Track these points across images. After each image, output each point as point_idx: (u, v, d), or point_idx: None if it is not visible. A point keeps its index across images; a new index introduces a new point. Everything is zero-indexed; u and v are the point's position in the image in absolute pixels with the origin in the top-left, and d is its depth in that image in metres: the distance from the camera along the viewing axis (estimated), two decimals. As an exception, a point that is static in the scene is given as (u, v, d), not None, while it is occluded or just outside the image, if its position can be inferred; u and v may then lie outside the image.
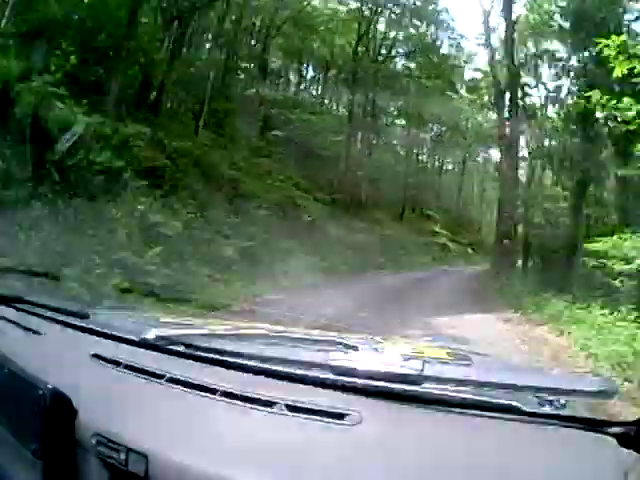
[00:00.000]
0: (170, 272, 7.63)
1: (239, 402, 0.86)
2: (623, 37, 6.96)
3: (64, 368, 1.02)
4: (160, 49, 14.19)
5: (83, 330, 1.22)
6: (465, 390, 0.85)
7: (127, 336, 1.16)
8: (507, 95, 17.41)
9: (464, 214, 33.24)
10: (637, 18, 12.36)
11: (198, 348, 1.06)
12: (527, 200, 16.82)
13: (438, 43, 27.43)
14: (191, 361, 1.03)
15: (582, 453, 0.74)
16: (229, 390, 0.89)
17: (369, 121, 24.17)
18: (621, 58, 6.71)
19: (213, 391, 0.89)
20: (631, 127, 7.16)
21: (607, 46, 6.81)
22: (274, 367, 0.96)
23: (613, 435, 0.75)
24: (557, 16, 15.75)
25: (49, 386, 0.82)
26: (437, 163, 34.39)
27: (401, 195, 26.31)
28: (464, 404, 0.83)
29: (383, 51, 25.31)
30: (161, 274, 7.31)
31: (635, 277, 7.75)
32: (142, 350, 1.11)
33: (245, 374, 0.96)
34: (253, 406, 0.85)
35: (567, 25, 14.71)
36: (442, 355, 1.40)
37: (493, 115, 22.56)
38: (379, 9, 23.79)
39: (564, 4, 14.91)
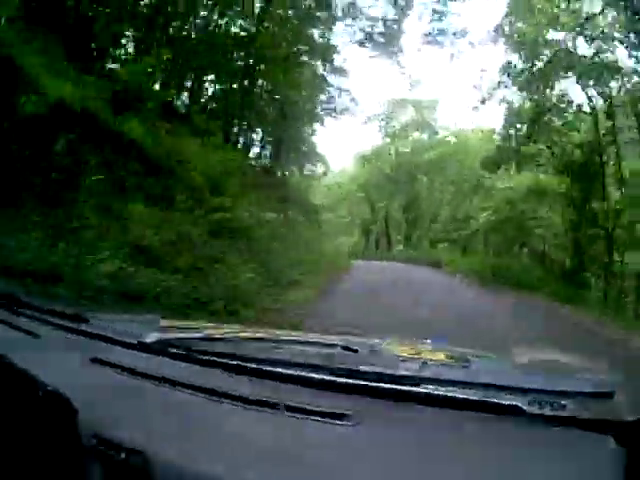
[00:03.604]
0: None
1: (239, 404, 0.86)
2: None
3: (63, 372, 1.01)
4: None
5: (82, 334, 1.22)
6: (464, 391, 0.85)
7: (127, 340, 1.16)
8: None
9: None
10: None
11: (198, 351, 1.06)
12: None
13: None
14: (191, 364, 1.03)
15: (581, 453, 0.74)
16: (229, 392, 0.89)
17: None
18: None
19: (213, 393, 0.89)
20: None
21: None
22: (274, 369, 0.96)
23: (612, 435, 0.75)
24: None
25: (49, 389, 0.82)
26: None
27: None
28: (463, 405, 0.83)
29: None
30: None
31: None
32: (142, 354, 1.11)
33: (245, 376, 0.96)
34: (253, 408, 0.85)
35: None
36: (441, 356, 1.40)
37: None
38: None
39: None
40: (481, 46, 22.89)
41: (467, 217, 25.32)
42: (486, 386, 0.87)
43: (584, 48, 15.70)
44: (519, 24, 17.24)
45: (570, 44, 15.93)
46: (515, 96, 17.82)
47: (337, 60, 19.98)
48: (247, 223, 9.38)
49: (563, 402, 0.84)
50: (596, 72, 14.94)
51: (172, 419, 0.87)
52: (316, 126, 24.81)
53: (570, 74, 15.84)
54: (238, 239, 8.57)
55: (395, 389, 0.86)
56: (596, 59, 15.09)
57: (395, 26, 17.83)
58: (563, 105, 16.77)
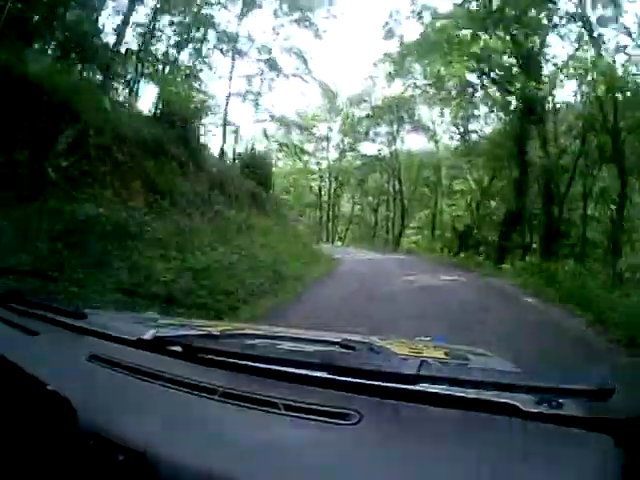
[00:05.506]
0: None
1: (238, 402, 0.86)
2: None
3: (62, 369, 1.01)
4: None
5: (81, 331, 1.22)
6: (463, 389, 0.85)
7: (125, 337, 1.16)
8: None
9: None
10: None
11: (196, 349, 1.06)
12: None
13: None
14: (189, 362, 1.03)
15: (579, 453, 0.74)
16: (228, 390, 0.89)
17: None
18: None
19: (212, 391, 0.89)
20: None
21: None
22: (273, 367, 0.96)
23: (610, 434, 0.75)
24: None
25: (47, 387, 0.81)
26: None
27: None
28: (462, 403, 0.83)
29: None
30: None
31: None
32: (140, 351, 1.10)
33: (243, 374, 0.96)
34: (252, 406, 0.85)
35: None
36: (440, 354, 1.40)
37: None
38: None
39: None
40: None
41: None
42: (484, 384, 0.87)
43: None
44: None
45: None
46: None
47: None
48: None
49: (561, 401, 0.83)
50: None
51: (171, 416, 0.87)
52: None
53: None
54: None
55: (394, 387, 0.86)
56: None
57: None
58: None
